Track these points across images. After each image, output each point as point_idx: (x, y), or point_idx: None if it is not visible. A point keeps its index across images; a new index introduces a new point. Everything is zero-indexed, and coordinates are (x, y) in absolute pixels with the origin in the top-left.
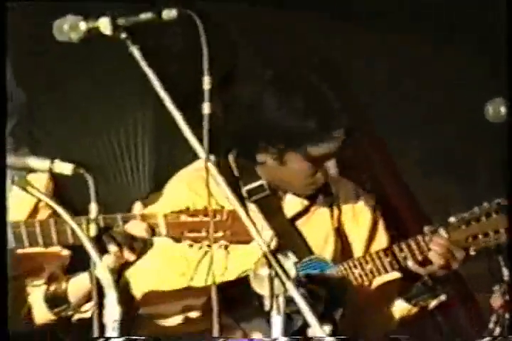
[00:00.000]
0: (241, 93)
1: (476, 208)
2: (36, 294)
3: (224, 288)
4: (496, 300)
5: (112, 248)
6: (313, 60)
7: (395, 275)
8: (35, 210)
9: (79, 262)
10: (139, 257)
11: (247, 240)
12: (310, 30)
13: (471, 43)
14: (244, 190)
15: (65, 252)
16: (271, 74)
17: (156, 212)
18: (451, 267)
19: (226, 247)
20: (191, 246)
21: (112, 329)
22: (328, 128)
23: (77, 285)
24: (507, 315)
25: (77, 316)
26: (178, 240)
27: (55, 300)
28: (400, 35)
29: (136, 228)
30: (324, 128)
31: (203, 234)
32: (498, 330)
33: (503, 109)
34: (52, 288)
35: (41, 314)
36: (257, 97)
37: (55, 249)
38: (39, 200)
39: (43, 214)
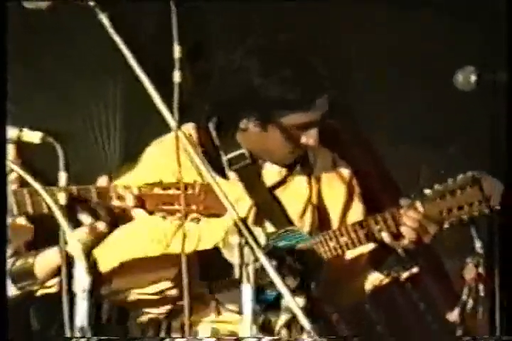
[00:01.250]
0: (223, 60)
1: (450, 181)
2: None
3: (201, 256)
4: (469, 272)
5: (86, 219)
6: (298, 29)
7: (369, 247)
8: None
9: (42, 238)
10: (111, 229)
11: (219, 213)
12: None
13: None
14: (225, 158)
15: (29, 226)
16: (254, 42)
17: (129, 184)
18: (423, 241)
19: (198, 220)
20: (164, 217)
21: (81, 299)
22: (311, 96)
23: (46, 261)
24: (480, 287)
25: (42, 291)
26: (151, 212)
27: (20, 275)
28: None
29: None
30: (308, 96)
31: (177, 206)
32: (470, 302)
33: (473, 77)
34: (18, 262)
35: (9, 288)
36: (240, 64)
37: (20, 222)
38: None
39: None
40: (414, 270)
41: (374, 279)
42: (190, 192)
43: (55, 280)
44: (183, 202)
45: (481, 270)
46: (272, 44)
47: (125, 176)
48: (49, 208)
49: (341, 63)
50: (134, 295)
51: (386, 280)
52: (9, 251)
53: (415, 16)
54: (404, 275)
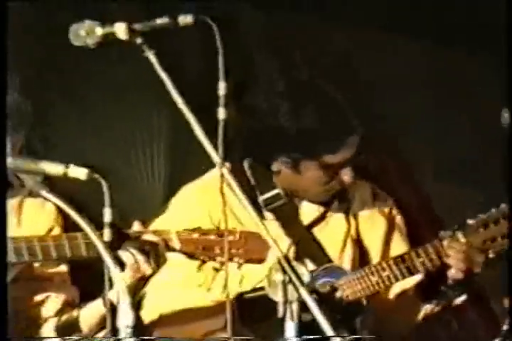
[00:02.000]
0: (255, 100)
1: (494, 210)
2: (48, 326)
3: (240, 301)
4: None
5: (129, 259)
6: (328, 68)
7: (415, 279)
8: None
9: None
10: (154, 272)
11: (260, 258)
12: (325, 38)
13: (487, 51)
14: (261, 198)
15: (74, 288)
16: (285, 83)
17: (168, 228)
18: (472, 271)
19: (240, 266)
20: (204, 262)
21: (124, 335)
22: (342, 135)
23: (90, 312)
24: None
25: None
26: (191, 256)
27: (66, 330)
28: (419, 44)
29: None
30: (338, 135)
31: (217, 251)
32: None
33: None
34: (64, 317)
35: None
36: (271, 105)
37: (66, 283)
38: (52, 227)
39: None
40: (463, 297)
41: (426, 309)
42: (231, 238)
43: (102, 333)
44: (227, 248)
45: None
46: (303, 84)
47: (162, 219)
48: (87, 251)
49: (375, 98)
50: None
51: (437, 309)
52: (54, 310)
53: (459, 57)
54: (455, 302)
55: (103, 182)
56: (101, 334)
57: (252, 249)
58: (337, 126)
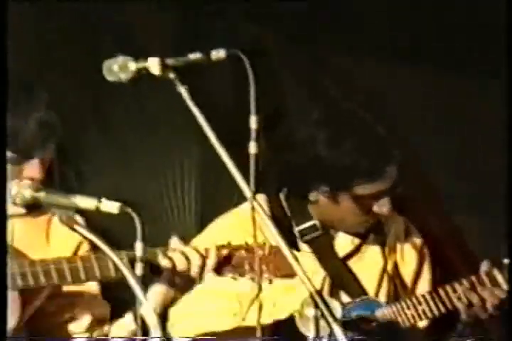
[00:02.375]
0: (291, 131)
1: None
2: None
3: (276, 327)
4: None
5: (166, 271)
6: (362, 98)
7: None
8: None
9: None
10: (183, 293)
11: (291, 274)
12: (359, 69)
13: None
14: (297, 229)
15: (104, 302)
16: (320, 113)
17: (196, 245)
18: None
19: (271, 281)
20: (235, 279)
21: None
22: (380, 166)
23: (121, 327)
24: None
25: None
26: (220, 274)
27: None
28: (447, 72)
29: (184, 262)
30: (376, 166)
31: (246, 268)
32: None
33: None
34: (95, 334)
35: None
36: (308, 136)
37: (97, 299)
38: (80, 244)
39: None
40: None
41: None
42: (260, 253)
43: None
44: (258, 261)
45: None
46: (339, 113)
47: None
48: (116, 271)
49: (409, 128)
50: None
51: None
52: (84, 326)
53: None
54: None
55: (135, 217)
56: None
57: (282, 264)
58: (376, 155)
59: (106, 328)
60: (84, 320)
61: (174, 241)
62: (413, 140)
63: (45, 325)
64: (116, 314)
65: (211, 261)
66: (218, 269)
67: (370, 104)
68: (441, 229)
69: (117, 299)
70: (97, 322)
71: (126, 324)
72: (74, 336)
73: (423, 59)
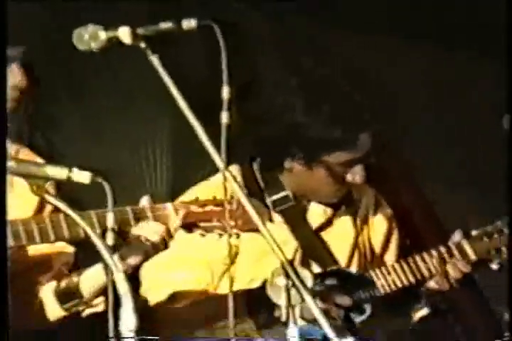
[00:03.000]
0: (265, 100)
1: (498, 221)
2: (46, 290)
3: (249, 293)
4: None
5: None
6: (341, 67)
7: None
8: (40, 209)
9: (84, 260)
10: (145, 259)
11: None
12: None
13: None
14: (270, 200)
15: (70, 249)
16: (298, 82)
17: (165, 204)
18: (465, 279)
19: (238, 236)
20: (203, 235)
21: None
22: (355, 134)
23: (91, 278)
24: None
25: (88, 311)
26: (189, 230)
27: (66, 295)
28: (434, 49)
29: (150, 230)
30: (352, 134)
31: (215, 223)
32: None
33: None
34: (63, 283)
35: (52, 310)
36: (282, 104)
37: (61, 245)
38: (42, 201)
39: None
40: (425, 312)
41: (418, 312)
42: (228, 207)
43: (101, 298)
44: (227, 216)
45: None
46: (314, 81)
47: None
48: (85, 233)
49: (385, 99)
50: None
51: (426, 312)
52: (49, 275)
53: (462, 55)
54: (417, 315)
55: (106, 186)
56: (99, 299)
57: (250, 218)
58: (351, 125)
59: (75, 279)
60: (51, 269)
61: (145, 199)
62: (390, 110)
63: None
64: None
65: (179, 218)
66: (187, 225)
67: (347, 72)
68: (413, 200)
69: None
70: (63, 270)
71: (95, 273)
72: (43, 285)
73: (399, 28)
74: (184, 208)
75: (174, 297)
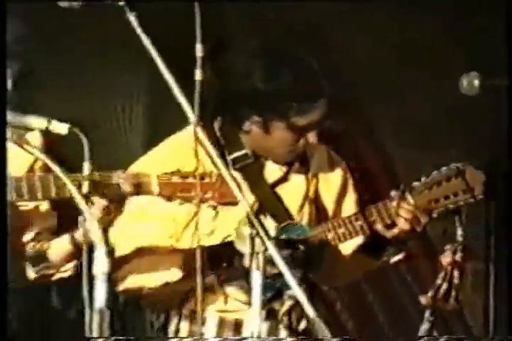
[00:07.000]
0: (228, 62)
1: (436, 172)
2: (26, 251)
3: (210, 247)
4: (446, 258)
5: (102, 202)
6: (302, 32)
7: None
8: (31, 170)
9: (65, 223)
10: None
11: (234, 202)
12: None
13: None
14: (229, 158)
15: (52, 212)
16: (259, 45)
17: (149, 172)
18: (415, 230)
19: (215, 207)
20: (182, 204)
21: (101, 281)
22: (312, 98)
23: (59, 246)
24: (455, 274)
25: (58, 275)
26: (169, 199)
27: (36, 259)
28: (389, 13)
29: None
30: (309, 98)
31: (193, 194)
32: (444, 286)
33: (476, 83)
34: (37, 246)
35: (28, 272)
36: (244, 66)
37: (43, 208)
38: (35, 161)
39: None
40: (401, 255)
41: (368, 264)
42: (207, 180)
43: (70, 264)
44: (200, 188)
45: (458, 257)
46: (275, 46)
47: (143, 163)
48: (71, 194)
49: (342, 64)
50: (145, 290)
51: (378, 264)
52: (31, 235)
53: (421, 19)
54: (394, 259)
55: (83, 137)
56: (69, 265)
57: (227, 192)
58: (308, 89)
59: (46, 244)
60: (34, 228)
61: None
62: (349, 73)
63: None
64: (64, 228)
65: (155, 187)
66: (166, 194)
67: (307, 36)
68: (371, 158)
69: (67, 215)
70: (46, 232)
71: (63, 243)
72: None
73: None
74: (166, 179)
75: (140, 251)
